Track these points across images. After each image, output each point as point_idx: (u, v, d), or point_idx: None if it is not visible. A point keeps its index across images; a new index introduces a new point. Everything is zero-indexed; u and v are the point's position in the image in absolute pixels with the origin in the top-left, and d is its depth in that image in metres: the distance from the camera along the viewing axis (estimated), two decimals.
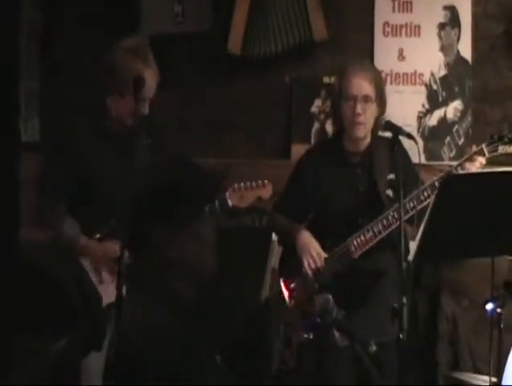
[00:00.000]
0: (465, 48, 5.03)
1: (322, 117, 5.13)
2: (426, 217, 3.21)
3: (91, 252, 3.74)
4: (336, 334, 3.04)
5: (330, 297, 3.13)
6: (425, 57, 5.05)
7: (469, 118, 5.02)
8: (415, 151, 3.58)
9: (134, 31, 4.86)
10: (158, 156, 3.79)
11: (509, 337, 3.53)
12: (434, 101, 5.06)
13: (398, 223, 3.47)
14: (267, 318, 4.14)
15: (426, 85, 5.06)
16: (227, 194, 3.83)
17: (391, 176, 3.93)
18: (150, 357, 2.29)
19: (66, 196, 3.74)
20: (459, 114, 5.03)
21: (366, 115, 3.91)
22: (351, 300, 3.65)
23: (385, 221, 3.88)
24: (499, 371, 3.45)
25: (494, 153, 3.85)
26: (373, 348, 3.14)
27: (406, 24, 5.07)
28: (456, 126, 5.04)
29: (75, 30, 5.30)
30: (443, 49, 5.05)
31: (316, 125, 5.14)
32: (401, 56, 5.08)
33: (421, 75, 5.06)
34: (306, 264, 3.96)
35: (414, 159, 3.87)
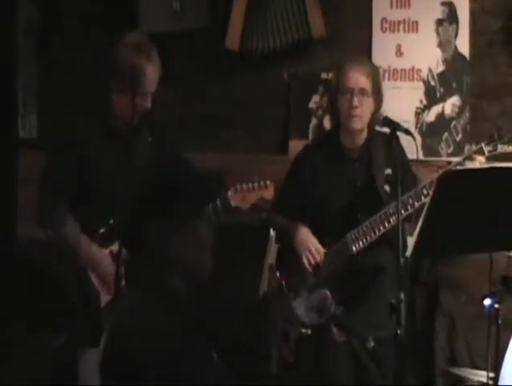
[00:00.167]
0: (463, 44, 5.02)
1: (320, 112, 5.13)
2: (424, 213, 3.20)
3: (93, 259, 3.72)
4: (334, 329, 3.04)
5: (328, 292, 3.14)
6: (423, 53, 5.05)
7: (467, 114, 5.02)
8: (413, 147, 3.59)
9: (133, 29, 4.85)
10: (160, 154, 3.78)
11: (507, 332, 3.52)
12: (432, 97, 5.05)
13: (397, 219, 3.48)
14: (266, 313, 4.14)
15: (424, 81, 5.05)
16: (229, 194, 3.82)
17: (388, 171, 3.94)
18: (148, 355, 2.29)
19: (67, 196, 3.72)
20: (457, 110, 5.03)
21: (363, 108, 3.93)
22: (350, 296, 3.65)
23: (384, 217, 3.89)
24: (496, 367, 3.46)
25: (494, 152, 3.86)
26: (371, 344, 3.16)
27: (404, 20, 5.07)
28: (454, 122, 5.03)
29: (73, 28, 5.29)
30: (441, 45, 5.04)
31: (314, 121, 5.14)
32: (399, 52, 5.07)
33: (419, 71, 5.06)
34: (305, 259, 3.97)
35: (412, 155, 3.88)
